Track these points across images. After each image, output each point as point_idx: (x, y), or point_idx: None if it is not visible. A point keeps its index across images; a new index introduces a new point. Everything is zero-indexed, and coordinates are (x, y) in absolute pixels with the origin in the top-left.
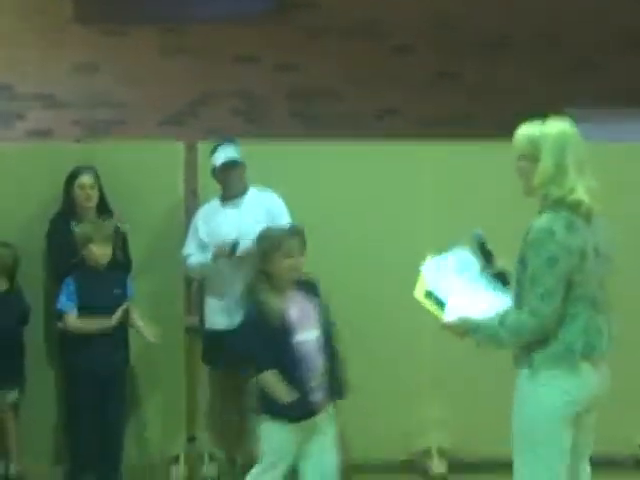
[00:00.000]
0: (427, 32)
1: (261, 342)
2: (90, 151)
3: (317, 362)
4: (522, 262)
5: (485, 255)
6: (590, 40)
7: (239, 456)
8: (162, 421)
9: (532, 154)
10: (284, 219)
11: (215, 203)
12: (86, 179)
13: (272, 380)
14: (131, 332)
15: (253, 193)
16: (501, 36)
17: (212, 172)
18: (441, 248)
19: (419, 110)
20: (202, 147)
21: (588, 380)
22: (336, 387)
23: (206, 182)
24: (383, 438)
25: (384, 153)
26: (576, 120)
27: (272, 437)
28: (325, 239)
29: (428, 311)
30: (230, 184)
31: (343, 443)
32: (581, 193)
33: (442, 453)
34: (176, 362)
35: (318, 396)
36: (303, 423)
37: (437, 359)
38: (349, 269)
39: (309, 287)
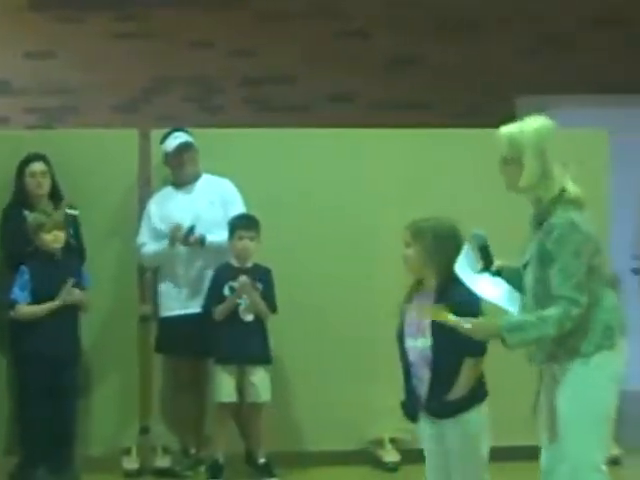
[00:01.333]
0: (383, 16)
1: None
2: (45, 138)
3: None
4: (542, 260)
5: (485, 257)
6: (554, 24)
7: (193, 447)
8: (115, 412)
9: (515, 158)
10: (237, 206)
11: (168, 190)
12: (37, 167)
13: None
14: (84, 321)
15: (206, 179)
16: (459, 19)
17: (164, 158)
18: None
19: (375, 95)
20: (156, 134)
21: (625, 355)
22: None
23: (159, 170)
24: (335, 427)
25: (338, 138)
26: (535, 107)
27: None
28: (280, 225)
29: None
30: (183, 168)
31: (295, 431)
32: (573, 187)
33: (394, 442)
34: (129, 351)
35: None
36: None
37: (391, 347)
38: (305, 255)
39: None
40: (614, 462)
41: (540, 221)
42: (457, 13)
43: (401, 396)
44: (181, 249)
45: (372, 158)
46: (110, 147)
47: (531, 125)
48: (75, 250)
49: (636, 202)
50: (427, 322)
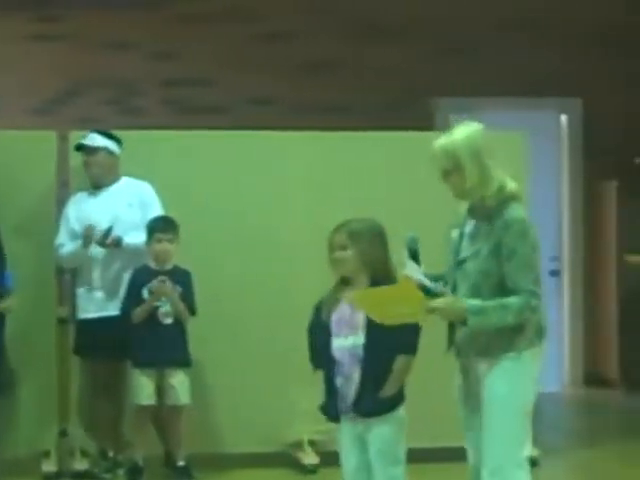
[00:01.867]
0: (301, 19)
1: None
2: None
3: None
4: (497, 254)
5: (415, 260)
6: (461, 27)
7: (111, 450)
8: (34, 414)
9: (455, 166)
10: (156, 209)
11: (86, 192)
12: None
13: None
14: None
15: (125, 182)
16: (376, 23)
17: (83, 162)
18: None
19: (294, 98)
20: (74, 136)
21: (543, 356)
22: None
23: (78, 172)
24: (255, 429)
25: (258, 141)
26: (447, 110)
27: None
28: (199, 227)
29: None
30: (88, 169)
31: (214, 434)
32: (511, 183)
33: (313, 445)
34: (48, 354)
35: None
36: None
37: (307, 348)
38: (224, 257)
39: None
40: (533, 463)
41: (488, 218)
42: (373, 17)
43: (320, 398)
44: (99, 251)
45: (291, 160)
46: (28, 149)
47: (461, 133)
48: None
49: (554, 204)
50: (361, 320)
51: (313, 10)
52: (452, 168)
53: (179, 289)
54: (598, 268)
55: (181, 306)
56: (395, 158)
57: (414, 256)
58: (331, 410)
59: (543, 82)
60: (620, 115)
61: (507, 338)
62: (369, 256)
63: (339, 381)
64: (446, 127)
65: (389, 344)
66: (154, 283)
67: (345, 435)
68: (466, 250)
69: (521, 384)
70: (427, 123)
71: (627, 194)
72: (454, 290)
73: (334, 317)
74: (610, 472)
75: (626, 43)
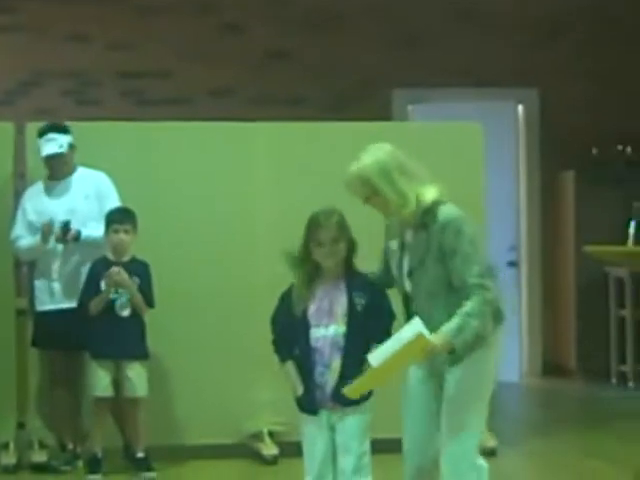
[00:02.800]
0: (258, 9)
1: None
2: None
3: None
4: (441, 257)
5: None
6: (419, 17)
7: (70, 441)
8: None
9: (372, 192)
10: (113, 200)
11: (42, 183)
12: None
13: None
14: None
15: (82, 173)
16: (333, 14)
17: (38, 151)
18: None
19: (251, 89)
20: (31, 128)
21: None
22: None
23: (35, 163)
24: (214, 421)
25: (216, 132)
26: (404, 101)
27: None
28: (157, 219)
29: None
30: (55, 172)
31: (174, 425)
32: (427, 190)
33: (273, 435)
34: (6, 346)
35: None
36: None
37: (267, 340)
38: (182, 249)
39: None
40: (490, 453)
41: (423, 225)
42: (330, 8)
43: (279, 390)
44: (57, 244)
45: (248, 151)
46: None
47: (370, 157)
48: None
49: (511, 194)
50: (341, 309)
51: (270, 1)
52: (371, 194)
53: (137, 280)
54: (556, 259)
55: (138, 297)
56: (353, 148)
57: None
58: (310, 403)
59: (500, 73)
60: (577, 105)
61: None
62: (351, 244)
63: (320, 369)
64: (404, 118)
65: (368, 333)
66: (109, 273)
67: (315, 425)
68: (411, 260)
69: (484, 368)
70: (384, 114)
71: (584, 184)
72: (407, 301)
73: (312, 308)
74: (568, 462)
75: (583, 33)
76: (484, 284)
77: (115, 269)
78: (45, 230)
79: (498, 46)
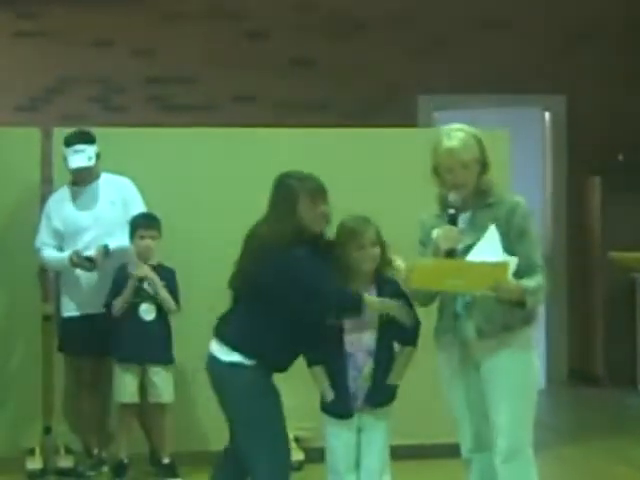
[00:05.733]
0: (283, 16)
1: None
2: None
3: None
4: (508, 236)
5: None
6: (445, 24)
7: (95, 447)
8: (17, 412)
9: (478, 154)
10: (138, 206)
11: (66, 190)
12: None
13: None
14: None
15: (106, 179)
16: (357, 20)
17: (64, 160)
18: None
19: (276, 95)
20: (58, 133)
21: None
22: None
23: (61, 169)
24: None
25: (240, 138)
26: (430, 107)
27: None
28: (182, 225)
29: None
30: (82, 181)
31: (200, 431)
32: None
33: (298, 441)
34: (32, 351)
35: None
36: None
37: None
38: (206, 254)
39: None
40: None
41: (488, 206)
42: (356, 13)
43: (304, 395)
44: (80, 249)
45: (273, 157)
46: (12, 146)
47: (470, 127)
48: None
49: (537, 201)
50: (374, 314)
51: (296, 7)
52: (476, 156)
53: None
54: (582, 265)
55: (165, 293)
56: (378, 155)
57: (453, 220)
58: (344, 408)
59: (527, 79)
60: (604, 112)
61: (522, 313)
62: (384, 250)
63: (353, 373)
64: (429, 125)
65: (396, 336)
66: (132, 267)
67: (345, 428)
68: (473, 239)
69: (533, 362)
70: (410, 121)
71: (611, 190)
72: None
73: None
74: (595, 468)
75: (610, 40)
76: (544, 267)
77: (141, 263)
78: (74, 261)
79: (525, 52)
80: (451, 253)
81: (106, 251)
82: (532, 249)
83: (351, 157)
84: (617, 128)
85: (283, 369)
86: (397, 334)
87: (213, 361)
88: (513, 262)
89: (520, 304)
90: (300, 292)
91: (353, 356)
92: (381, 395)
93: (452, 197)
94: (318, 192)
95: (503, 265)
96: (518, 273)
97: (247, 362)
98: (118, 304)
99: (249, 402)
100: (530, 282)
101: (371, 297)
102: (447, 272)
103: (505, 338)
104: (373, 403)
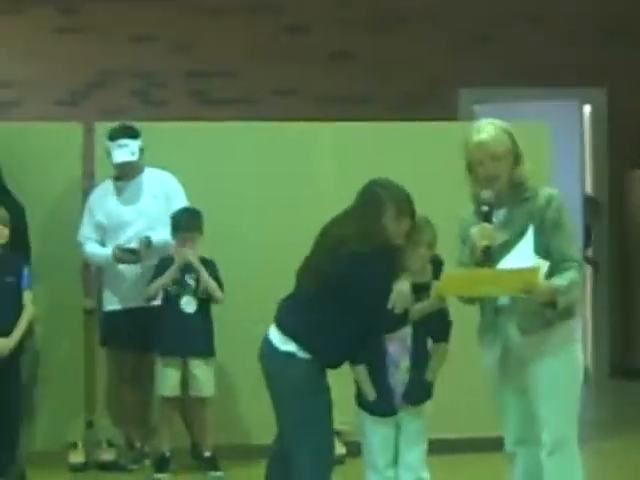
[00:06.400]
0: (322, 10)
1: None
2: None
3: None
4: (543, 229)
5: (487, 221)
6: (483, 17)
7: (138, 440)
8: (60, 406)
9: (510, 146)
10: (180, 201)
11: (109, 184)
12: None
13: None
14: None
15: (149, 173)
16: (396, 13)
17: (107, 154)
18: None
19: (317, 89)
20: (100, 128)
21: None
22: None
23: (103, 162)
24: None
25: (281, 132)
26: (470, 100)
27: None
28: (224, 219)
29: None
30: (125, 176)
31: (241, 425)
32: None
33: (339, 435)
34: (75, 345)
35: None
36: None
37: None
38: (247, 248)
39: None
40: None
41: (522, 201)
42: (394, 8)
43: (346, 388)
44: (123, 243)
45: (314, 151)
46: (54, 140)
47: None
48: (19, 247)
49: (578, 195)
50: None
51: (336, 1)
52: (509, 148)
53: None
54: (625, 259)
55: (208, 280)
56: (419, 148)
57: (487, 217)
58: (387, 406)
59: (567, 72)
60: None
61: (549, 312)
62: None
63: (391, 370)
64: (469, 118)
65: (430, 332)
66: (179, 250)
67: (386, 426)
68: (510, 234)
69: (577, 355)
70: (450, 114)
71: None
72: None
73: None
74: (636, 463)
75: None
76: (581, 262)
77: (186, 249)
78: (117, 256)
79: (565, 45)
80: (487, 251)
81: (148, 243)
82: (566, 243)
83: (392, 151)
84: None
85: (334, 367)
86: (430, 330)
87: (269, 348)
88: (544, 266)
89: (552, 304)
90: (370, 305)
91: (390, 353)
92: (418, 392)
93: (485, 194)
94: (405, 205)
95: (534, 270)
96: (552, 267)
97: (302, 355)
98: (153, 287)
99: (299, 397)
100: (562, 280)
101: (415, 307)
102: (478, 280)
103: (547, 333)
104: (410, 400)
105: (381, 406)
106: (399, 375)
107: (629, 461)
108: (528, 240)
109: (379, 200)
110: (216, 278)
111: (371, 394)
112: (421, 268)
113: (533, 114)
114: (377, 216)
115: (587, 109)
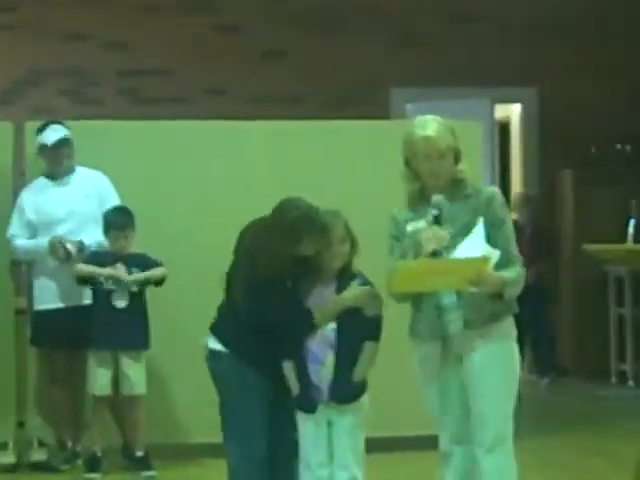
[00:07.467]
0: (256, 9)
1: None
2: None
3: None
4: (491, 225)
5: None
6: (415, 18)
7: (69, 440)
8: None
9: (452, 143)
10: (113, 201)
11: (41, 181)
12: None
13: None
14: None
15: (81, 172)
16: (329, 12)
17: (39, 150)
18: None
19: (249, 88)
20: (30, 127)
21: None
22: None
23: (33, 161)
24: (214, 419)
25: (213, 131)
26: (402, 99)
27: None
28: (155, 218)
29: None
30: (60, 162)
31: (174, 424)
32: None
33: None
34: (5, 345)
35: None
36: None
37: None
38: (179, 246)
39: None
40: None
41: (465, 197)
42: (328, 7)
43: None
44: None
45: (247, 150)
46: None
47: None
48: None
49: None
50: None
51: (268, 0)
52: (450, 145)
53: (136, 271)
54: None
55: (141, 275)
56: (351, 147)
57: (437, 220)
58: (308, 402)
59: (497, 71)
60: (576, 104)
61: (502, 304)
62: (354, 245)
63: (313, 368)
64: (402, 117)
65: (358, 330)
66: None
67: (313, 422)
68: (455, 228)
69: (515, 352)
70: (382, 113)
71: (583, 183)
72: None
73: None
74: (567, 460)
75: (581, 31)
76: (521, 260)
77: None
78: (54, 246)
79: (497, 45)
80: (435, 254)
81: (81, 247)
82: (510, 240)
83: (325, 150)
84: (590, 120)
85: (261, 365)
86: (358, 328)
87: (207, 348)
88: (495, 255)
89: (499, 295)
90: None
91: (312, 348)
92: (344, 391)
93: (436, 197)
94: (323, 239)
95: (485, 259)
96: (498, 264)
97: (225, 351)
98: (87, 270)
99: (227, 393)
100: (510, 273)
101: (322, 306)
102: (429, 272)
103: (490, 329)
104: (336, 399)
105: (301, 402)
106: (325, 372)
107: (561, 458)
108: (479, 231)
109: (296, 232)
110: (148, 260)
111: (295, 389)
112: (342, 265)
113: (465, 113)
114: (292, 245)
115: (518, 108)
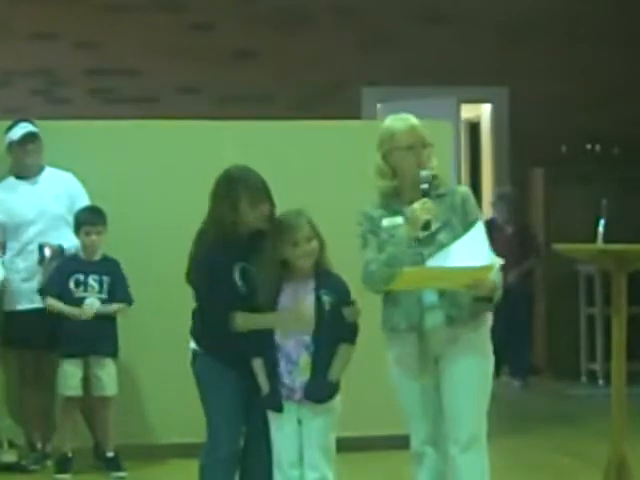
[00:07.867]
0: (227, 8)
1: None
2: None
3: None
4: (467, 223)
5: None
6: (386, 17)
7: (39, 441)
8: None
9: (428, 142)
10: (83, 201)
11: (10, 181)
12: None
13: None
14: None
15: (50, 172)
16: (301, 12)
17: (8, 148)
18: None
19: (220, 87)
20: (0, 126)
21: None
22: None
23: (2, 161)
24: (185, 420)
25: (184, 130)
26: (373, 99)
27: None
28: (126, 218)
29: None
30: (27, 158)
31: (145, 424)
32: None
33: None
34: None
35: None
36: None
37: None
38: (151, 247)
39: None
40: None
41: (440, 194)
42: (299, 7)
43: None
44: (27, 244)
45: (218, 149)
46: None
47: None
48: None
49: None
50: (309, 306)
51: (237, 0)
52: (427, 142)
53: (107, 280)
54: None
55: (111, 308)
56: (322, 146)
57: (426, 193)
58: (276, 401)
59: (468, 71)
60: (547, 104)
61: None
62: (321, 243)
63: (286, 367)
64: (372, 116)
65: (334, 332)
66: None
67: (284, 421)
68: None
69: (490, 353)
70: (353, 112)
71: (554, 182)
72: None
73: (278, 307)
74: (537, 459)
75: (552, 32)
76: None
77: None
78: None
79: (468, 45)
80: (428, 224)
81: (60, 252)
82: (487, 240)
83: (296, 149)
84: (560, 120)
85: (227, 358)
86: (335, 331)
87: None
88: (498, 263)
89: (489, 299)
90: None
91: (285, 348)
92: (319, 392)
93: (424, 172)
94: (259, 192)
95: (489, 268)
96: None
97: (199, 349)
98: (52, 305)
99: (200, 390)
100: (496, 276)
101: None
102: (432, 277)
103: (467, 327)
104: (311, 399)
105: (269, 401)
106: (298, 373)
107: (531, 457)
108: (479, 235)
109: (233, 189)
110: (120, 277)
111: (264, 388)
112: (311, 262)
113: (436, 113)
114: (231, 204)
115: (489, 108)
